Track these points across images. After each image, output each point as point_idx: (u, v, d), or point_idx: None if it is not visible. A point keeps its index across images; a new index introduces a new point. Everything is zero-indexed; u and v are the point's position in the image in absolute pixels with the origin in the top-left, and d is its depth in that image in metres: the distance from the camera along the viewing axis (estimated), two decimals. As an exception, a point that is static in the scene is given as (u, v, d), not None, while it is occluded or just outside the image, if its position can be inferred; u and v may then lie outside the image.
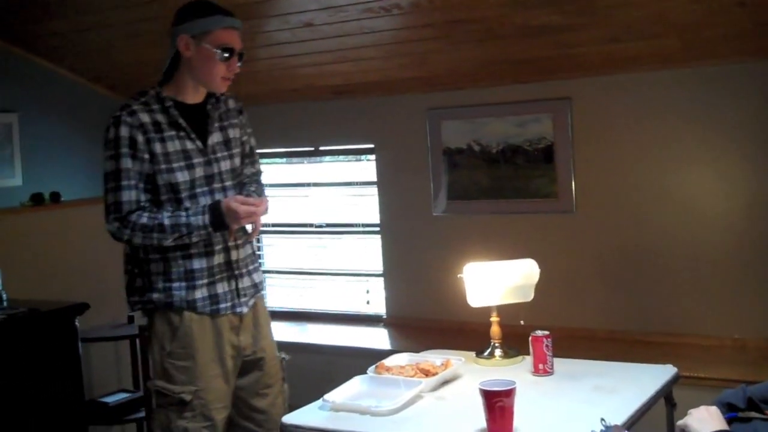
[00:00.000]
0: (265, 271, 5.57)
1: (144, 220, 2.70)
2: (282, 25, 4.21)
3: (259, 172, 3.08)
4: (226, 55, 2.75)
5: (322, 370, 4.44)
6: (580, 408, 2.48)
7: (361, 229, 5.31)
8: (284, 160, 5.63)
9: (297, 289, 5.61)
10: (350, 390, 2.69)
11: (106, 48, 4.85)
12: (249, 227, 2.86)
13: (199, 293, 2.78)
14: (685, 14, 3.64)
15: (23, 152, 4.88)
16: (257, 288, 2.97)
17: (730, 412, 2.40)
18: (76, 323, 3.79)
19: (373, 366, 2.86)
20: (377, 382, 2.74)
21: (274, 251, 5.66)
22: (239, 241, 2.88)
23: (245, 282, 2.91)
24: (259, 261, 3.06)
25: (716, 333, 4.15)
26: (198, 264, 2.78)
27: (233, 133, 2.93)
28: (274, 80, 4.94)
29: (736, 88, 4.04)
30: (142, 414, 4.21)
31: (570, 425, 2.33)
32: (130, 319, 4.52)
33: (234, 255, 2.86)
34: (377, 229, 5.16)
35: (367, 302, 5.31)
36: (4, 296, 3.74)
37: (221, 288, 2.82)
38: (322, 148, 5.36)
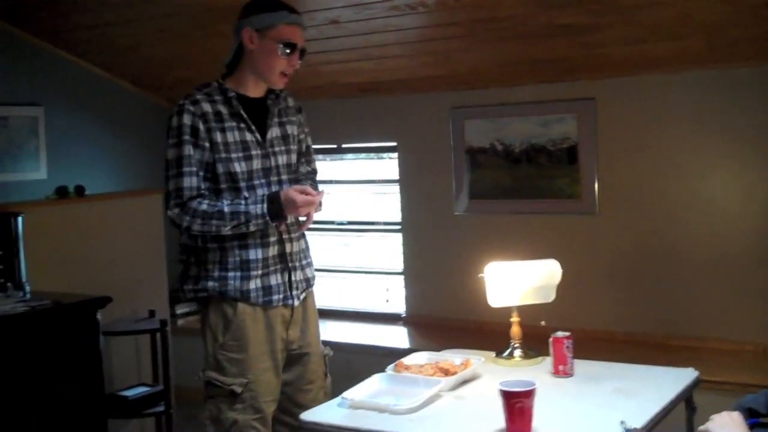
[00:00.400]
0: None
1: (204, 206, 2.73)
2: (308, 22, 4.16)
3: (315, 171, 3.13)
4: (288, 50, 2.80)
5: (342, 367, 4.40)
6: (600, 410, 2.46)
7: (382, 227, 5.31)
8: (307, 157, 5.63)
9: (318, 287, 5.59)
10: (369, 388, 2.69)
11: (133, 43, 4.88)
12: (302, 218, 2.87)
13: (253, 284, 2.81)
14: (711, 15, 3.62)
15: (48, 146, 4.93)
16: (309, 283, 3.01)
17: (752, 417, 2.38)
18: (98, 316, 3.81)
19: (393, 364, 2.86)
20: (396, 380, 2.74)
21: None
22: (294, 234, 2.91)
23: (298, 275, 2.93)
24: (311, 258, 3.07)
25: (738, 337, 4.12)
26: (253, 254, 2.81)
27: (291, 129, 2.97)
28: (298, 77, 4.84)
29: (761, 91, 4.00)
30: (162, 408, 4.24)
31: (590, 427, 2.32)
32: (152, 313, 4.54)
33: (288, 247, 2.89)
34: (398, 227, 5.16)
35: (387, 300, 5.31)
36: (27, 288, 3.77)
37: (274, 280, 2.85)
38: (344, 145, 5.36)
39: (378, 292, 5.37)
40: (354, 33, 4.25)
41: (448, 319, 4.87)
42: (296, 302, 2.91)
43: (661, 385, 2.68)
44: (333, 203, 5.47)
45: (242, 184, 2.80)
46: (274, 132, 2.90)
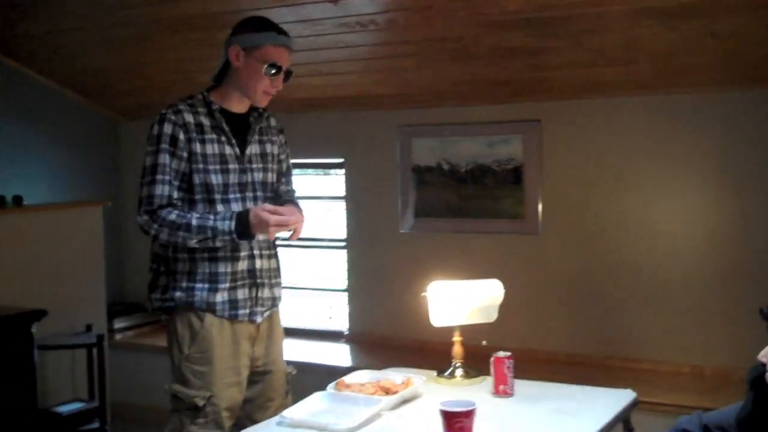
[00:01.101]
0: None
1: (173, 216, 2.74)
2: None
3: (293, 191, 3.16)
4: (272, 71, 2.84)
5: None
6: (539, 430, 2.47)
7: (327, 243, 5.28)
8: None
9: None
10: (309, 407, 2.66)
11: (78, 53, 4.80)
12: (287, 234, 2.88)
13: (220, 296, 2.81)
14: (657, 42, 3.68)
15: (-13, 154, 4.82)
16: (275, 302, 3.01)
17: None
18: (33, 330, 3.72)
19: (333, 383, 2.84)
20: (337, 399, 2.72)
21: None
22: (265, 251, 2.93)
23: (265, 293, 2.94)
24: (281, 278, 3.09)
25: (675, 359, 4.18)
26: (223, 267, 2.82)
27: (271, 148, 3.00)
28: (246, 91, 4.91)
29: (703, 118, 4.09)
30: (97, 425, 4.16)
31: (528, 448, 2.33)
32: (89, 328, 4.45)
33: (259, 264, 2.91)
34: (343, 244, 5.14)
35: (330, 318, 5.29)
36: (-39, 299, 3.67)
37: (242, 294, 2.86)
38: (291, 161, 5.32)
39: (321, 309, 5.34)
40: (303, 48, 4.23)
41: (391, 337, 4.86)
42: (260, 319, 2.92)
43: (599, 406, 2.69)
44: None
45: (217, 196, 2.82)
46: (253, 148, 2.93)
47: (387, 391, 2.74)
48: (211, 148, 2.82)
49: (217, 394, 2.79)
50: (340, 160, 5.12)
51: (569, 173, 4.42)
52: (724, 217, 4.07)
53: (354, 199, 5.07)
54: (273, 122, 3.07)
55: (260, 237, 2.84)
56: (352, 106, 4.94)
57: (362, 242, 5.05)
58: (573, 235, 4.41)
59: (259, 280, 2.91)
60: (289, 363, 3.13)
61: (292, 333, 5.27)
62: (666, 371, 4.17)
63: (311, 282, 5.37)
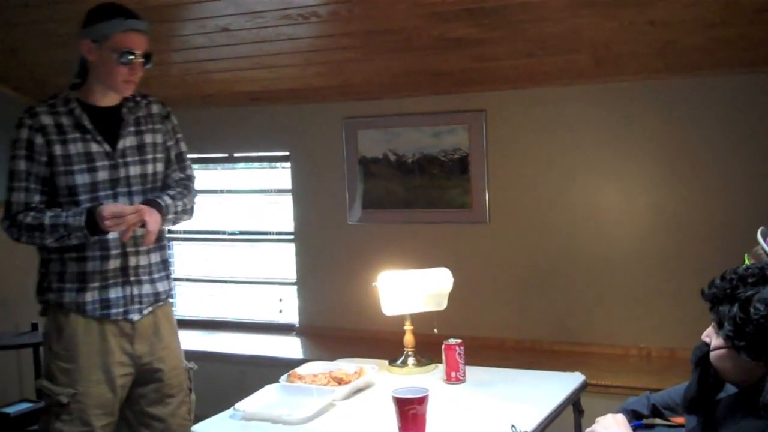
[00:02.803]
0: (176, 279, 5.48)
1: (28, 219, 2.70)
2: (198, 30, 4.16)
3: (189, 177, 3.04)
4: (126, 59, 2.72)
5: (234, 379, 4.38)
6: (491, 415, 2.50)
7: (275, 237, 5.27)
8: (197, 166, 5.52)
9: (209, 297, 5.53)
10: (262, 399, 2.66)
11: (13, 48, 4.70)
12: (140, 231, 2.75)
13: (90, 296, 2.75)
14: (597, 31, 3.74)
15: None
16: (159, 297, 2.91)
17: (635, 419, 2.47)
18: (-24, 331, 3.66)
19: (286, 374, 2.84)
20: (290, 390, 2.72)
21: (185, 258, 5.56)
22: (141, 248, 2.83)
23: (145, 289, 2.85)
24: (170, 270, 3.00)
25: (622, 342, 4.26)
26: (91, 266, 2.75)
27: (151, 138, 2.88)
28: (188, 85, 4.87)
29: (643, 105, 4.16)
30: (45, 425, 4.08)
31: (481, 432, 2.36)
32: (34, 327, 4.38)
33: (133, 261, 2.82)
34: (291, 237, 5.13)
35: (280, 311, 5.27)
36: None
37: (114, 293, 2.79)
38: (236, 154, 5.30)
39: (271, 302, 5.32)
40: (245, 41, 4.21)
41: (342, 328, 4.87)
42: (137, 317, 2.83)
43: (549, 389, 2.74)
44: (225, 213, 5.40)
45: (82, 197, 2.73)
46: (127, 141, 2.81)
47: (340, 382, 2.76)
48: (75, 148, 2.72)
49: (83, 391, 2.74)
50: (286, 153, 5.10)
51: (515, 162, 4.46)
52: (666, 202, 4.15)
53: (301, 191, 5.05)
54: (155, 109, 2.93)
55: (114, 235, 2.73)
56: (297, 99, 4.92)
57: (310, 235, 5.04)
58: (520, 223, 4.46)
59: (133, 278, 2.82)
60: (190, 358, 3.05)
61: (243, 327, 5.27)
62: (614, 354, 4.25)
63: (260, 275, 5.34)
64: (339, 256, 4.91)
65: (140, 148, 2.85)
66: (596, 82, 4.21)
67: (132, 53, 2.73)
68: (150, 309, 2.87)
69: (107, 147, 2.77)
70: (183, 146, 3.03)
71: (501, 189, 4.49)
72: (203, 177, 5.52)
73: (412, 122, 4.68)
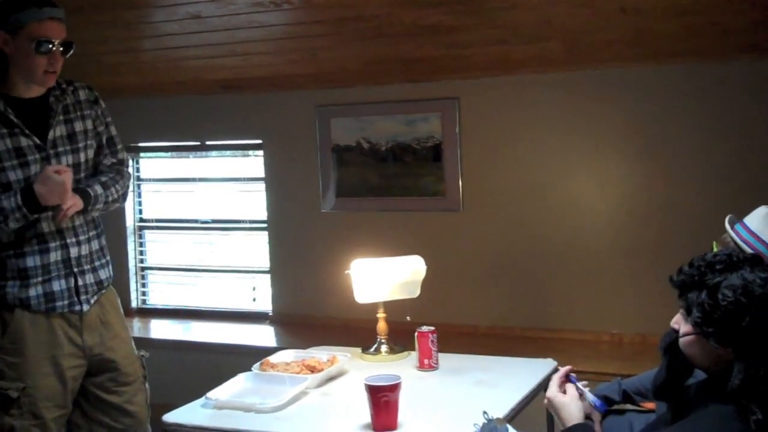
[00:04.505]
0: (148, 268, 5.46)
1: None
2: (169, 17, 4.12)
3: (121, 162, 2.98)
4: (44, 47, 2.64)
5: (207, 368, 4.36)
6: (463, 401, 2.52)
7: (248, 225, 5.24)
8: (169, 154, 5.50)
9: (182, 286, 5.50)
10: (234, 387, 2.66)
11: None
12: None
13: (33, 291, 2.72)
14: (569, 19, 3.74)
15: None
16: (102, 285, 2.89)
17: (607, 404, 2.49)
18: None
19: (258, 363, 2.83)
20: (262, 379, 2.72)
21: (158, 247, 5.52)
22: (81, 237, 2.80)
23: (87, 279, 2.83)
24: (108, 256, 2.97)
25: (594, 328, 4.28)
26: (31, 262, 2.71)
27: (81, 125, 2.83)
28: (160, 72, 4.83)
29: (615, 93, 4.18)
30: None
31: (454, 418, 2.37)
32: None
33: (75, 251, 2.78)
34: (264, 225, 5.11)
35: (254, 299, 5.26)
36: None
37: (57, 286, 2.75)
38: (208, 142, 5.27)
39: (244, 291, 5.30)
40: (217, 28, 4.17)
41: (316, 317, 4.86)
42: (85, 307, 2.81)
43: (522, 375, 2.76)
44: (197, 201, 5.37)
45: None
46: (57, 131, 2.76)
47: (312, 370, 2.76)
48: (3, 144, 2.65)
49: (33, 384, 2.72)
50: (258, 142, 5.08)
51: (488, 150, 4.47)
52: (637, 190, 4.17)
53: (274, 180, 5.03)
54: (83, 95, 2.87)
55: (50, 228, 2.71)
56: (269, 87, 4.89)
57: (284, 223, 5.03)
58: (493, 211, 4.47)
59: (77, 269, 2.79)
60: (147, 347, 3.05)
61: (217, 315, 5.25)
62: (586, 340, 4.27)
63: (234, 264, 5.32)
64: (313, 244, 4.90)
65: (71, 137, 2.79)
66: (569, 70, 4.22)
67: (50, 42, 2.65)
68: (95, 298, 2.85)
69: (36, 140, 2.71)
70: (113, 130, 2.97)
71: (474, 177, 4.50)
72: (176, 165, 5.49)
73: (385, 110, 4.67)
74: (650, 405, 2.59)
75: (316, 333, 4.56)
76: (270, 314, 5.11)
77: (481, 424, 2.17)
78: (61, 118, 2.77)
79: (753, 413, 1.85)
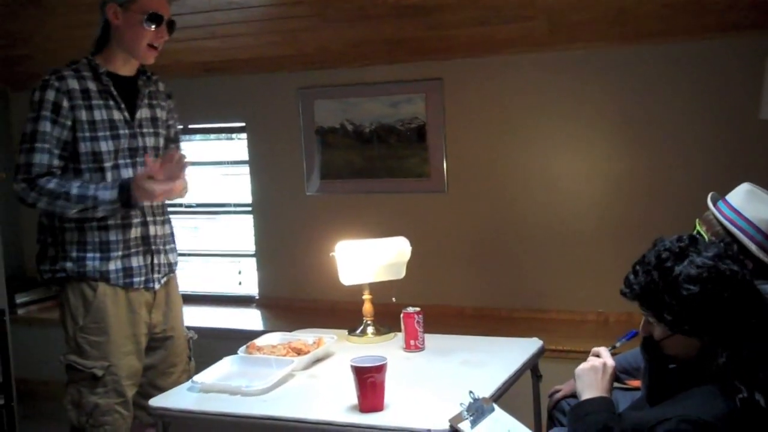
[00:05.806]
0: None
1: (52, 185, 2.69)
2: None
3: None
4: (153, 22, 2.76)
5: (195, 351, 4.34)
6: (449, 382, 2.52)
7: (233, 209, 5.23)
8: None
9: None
10: (220, 371, 2.65)
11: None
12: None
13: (113, 265, 2.78)
14: (552, -2, 3.74)
15: None
16: (171, 267, 3.02)
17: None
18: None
19: (244, 346, 2.83)
20: (248, 362, 2.71)
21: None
22: (158, 217, 2.92)
23: (161, 259, 2.94)
24: (175, 243, 3.10)
25: (580, 308, 4.30)
26: (114, 236, 2.78)
27: (160, 113, 2.96)
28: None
29: (599, 73, 4.17)
30: (2, 402, 4.04)
31: (440, 399, 2.37)
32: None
33: (153, 230, 2.89)
34: (249, 209, 5.09)
35: (239, 283, 5.25)
36: None
37: (136, 262, 2.84)
38: (191, 126, 5.23)
39: (230, 274, 5.29)
40: (197, 10, 4.15)
41: (302, 299, 4.86)
42: (157, 286, 2.91)
43: (507, 355, 2.76)
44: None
45: (107, 164, 2.76)
46: (143, 112, 2.88)
47: (299, 352, 2.76)
48: (99, 114, 2.76)
49: (116, 363, 2.78)
50: (242, 124, 5.05)
51: (472, 131, 4.46)
52: (622, 170, 4.18)
53: (258, 163, 5.01)
54: (161, 87, 3.03)
55: (146, 203, 2.82)
56: (251, 69, 4.86)
57: (269, 206, 5.01)
58: (478, 192, 4.47)
59: (154, 247, 2.90)
60: (189, 328, 3.15)
61: (203, 299, 5.23)
62: (572, 319, 4.29)
63: (219, 248, 5.31)
64: (298, 227, 4.89)
65: (153, 120, 2.92)
66: (551, 50, 4.21)
67: (160, 16, 2.77)
68: (165, 279, 2.96)
69: (127, 115, 2.81)
70: (179, 126, 3.15)
71: (459, 158, 4.49)
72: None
73: (368, 92, 4.65)
74: (636, 383, 2.61)
75: (303, 316, 4.56)
76: (256, 297, 5.11)
77: (467, 404, 2.18)
78: (146, 101, 2.90)
79: (738, 391, 1.86)
